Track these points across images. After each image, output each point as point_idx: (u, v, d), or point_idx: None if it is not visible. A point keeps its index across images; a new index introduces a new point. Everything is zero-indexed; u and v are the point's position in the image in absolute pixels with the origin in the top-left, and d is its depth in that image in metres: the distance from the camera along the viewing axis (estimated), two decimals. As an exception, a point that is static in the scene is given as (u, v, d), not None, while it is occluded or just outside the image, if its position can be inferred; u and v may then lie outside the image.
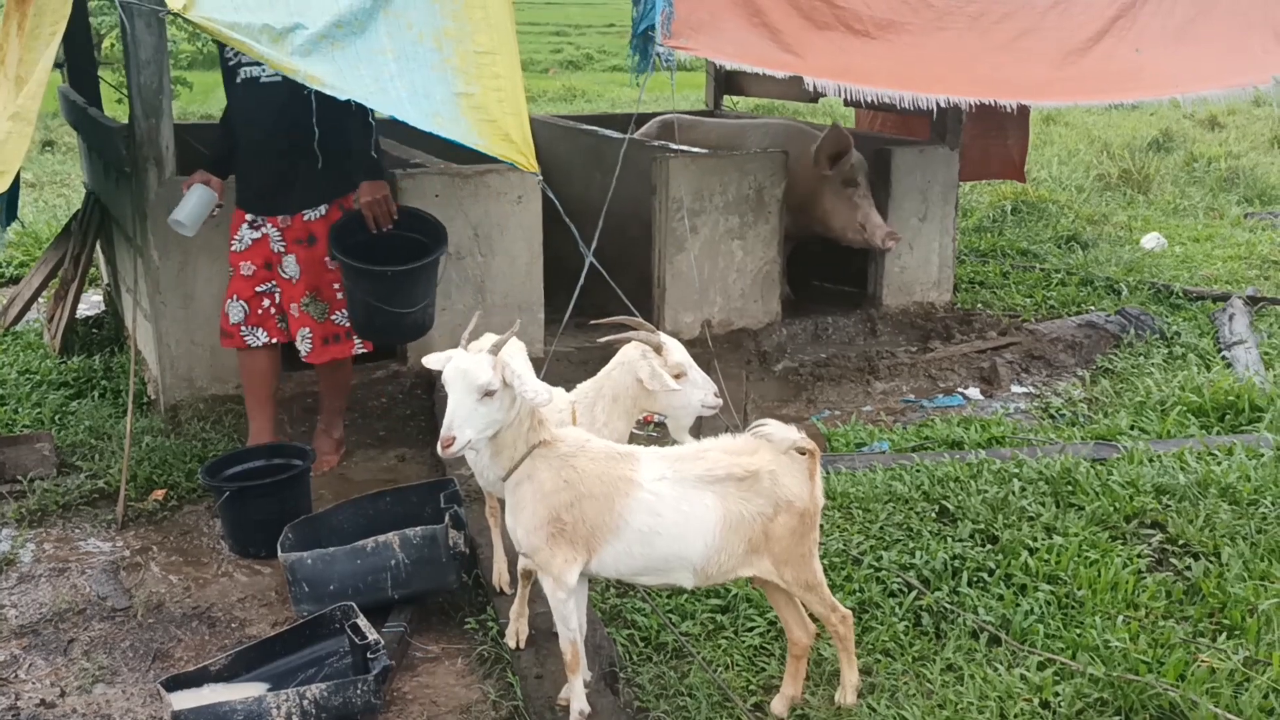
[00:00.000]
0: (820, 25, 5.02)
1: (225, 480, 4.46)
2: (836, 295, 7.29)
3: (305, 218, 4.78)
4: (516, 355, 3.47)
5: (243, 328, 4.85)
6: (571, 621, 3.13)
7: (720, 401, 3.56)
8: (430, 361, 3.09)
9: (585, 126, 7.81)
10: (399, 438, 5.44)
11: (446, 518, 3.92)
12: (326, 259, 4.79)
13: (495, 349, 3.01)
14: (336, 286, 4.82)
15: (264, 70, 4.54)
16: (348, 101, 4.41)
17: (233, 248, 4.84)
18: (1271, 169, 12.60)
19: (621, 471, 3.06)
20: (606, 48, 26.05)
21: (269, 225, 4.79)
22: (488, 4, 4.02)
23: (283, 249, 4.81)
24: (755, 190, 6.40)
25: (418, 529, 3.88)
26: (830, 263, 7.38)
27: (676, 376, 3.47)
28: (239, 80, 4.67)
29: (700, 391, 3.51)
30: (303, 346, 4.88)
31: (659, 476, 3.06)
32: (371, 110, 4.32)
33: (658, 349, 3.47)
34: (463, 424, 2.91)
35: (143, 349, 5.76)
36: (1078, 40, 5.56)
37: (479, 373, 2.93)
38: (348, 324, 4.86)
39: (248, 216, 4.81)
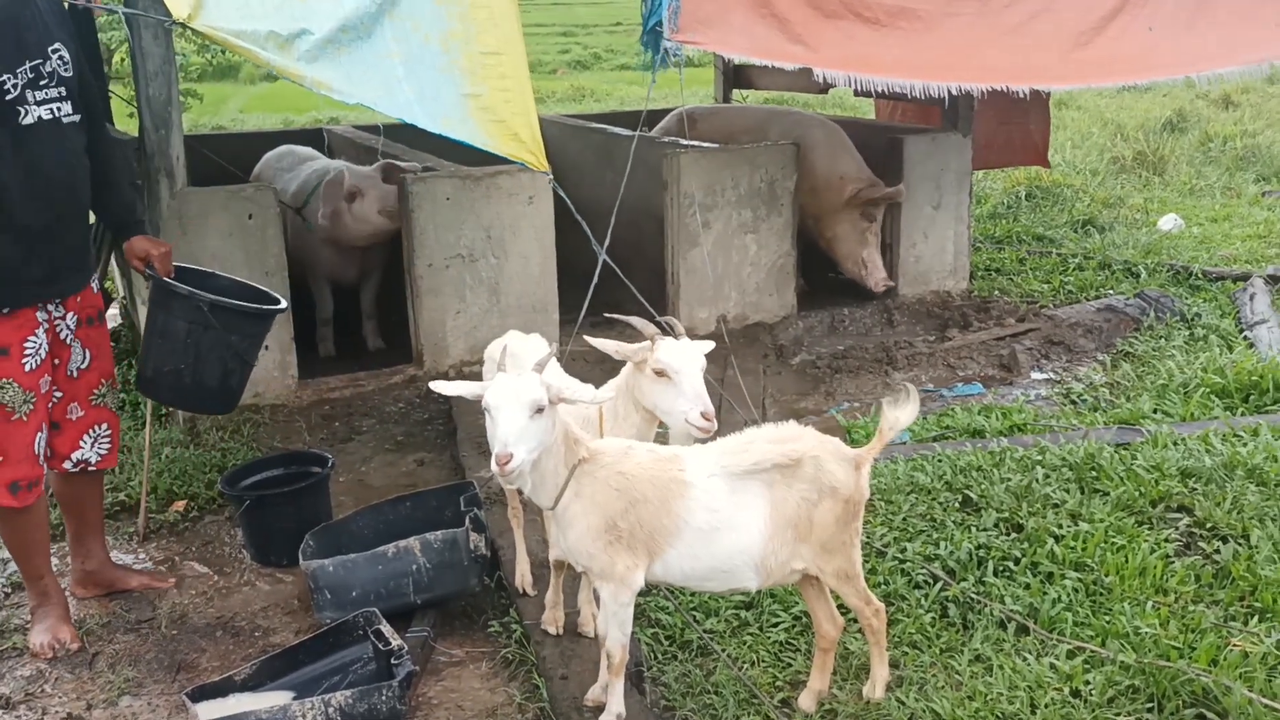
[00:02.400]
0: (829, 14, 4.98)
1: (245, 489, 4.46)
2: (851, 286, 7.25)
3: (94, 289, 3.93)
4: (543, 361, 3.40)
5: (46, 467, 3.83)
6: (627, 626, 3.11)
7: (713, 426, 3.20)
8: (444, 388, 3.06)
9: (594, 125, 7.79)
10: (417, 442, 5.43)
11: (467, 521, 3.90)
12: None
13: (539, 367, 3.00)
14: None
15: (65, 111, 3.59)
16: (115, 149, 3.93)
17: (25, 366, 3.64)
18: (1288, 146, 12.49)
19: (671, 473, 3.04)
20: (614, 47, 26.05)
21: (62, 310, 3.76)
22: (493, 5, 4.02)
23: (70, 336, 3.81)
24: (767, 183, 6.37)
25: (438, 533, 3.87)
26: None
27: (658, 374, 3.27)
28: (26, 121, 3.49)
29: (686, 403, 3.21)
30: (95, 452, 3.95)
31: (709, 473, 3.05)
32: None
33: (652, 340, 3.36)
34: (517, 441, 2.87)
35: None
36: (1090, 21, 5.50)
37: (531, 390, 2.90)
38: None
39: (41, 315, 3.69)
